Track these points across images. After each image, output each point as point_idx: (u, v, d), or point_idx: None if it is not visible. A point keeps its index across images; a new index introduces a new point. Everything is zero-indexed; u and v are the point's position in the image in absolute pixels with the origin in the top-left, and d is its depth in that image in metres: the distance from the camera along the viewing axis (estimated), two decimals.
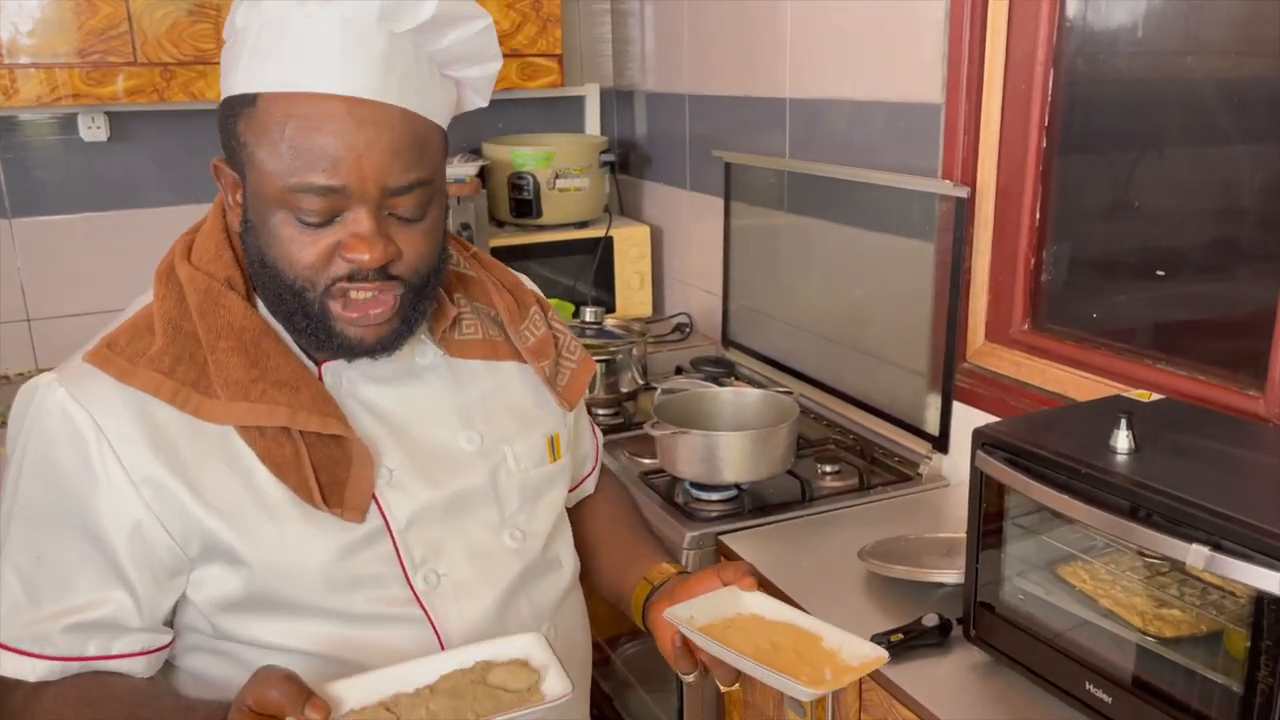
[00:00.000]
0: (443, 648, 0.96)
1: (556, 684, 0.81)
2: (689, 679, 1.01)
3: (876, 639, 1.21)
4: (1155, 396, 1.21)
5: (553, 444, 1.09)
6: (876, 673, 1.20)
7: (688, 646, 0.99)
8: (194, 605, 0.95)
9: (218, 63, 1.05)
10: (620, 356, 2.06)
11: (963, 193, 1.63)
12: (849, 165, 1.90)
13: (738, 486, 1.66)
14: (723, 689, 0.99)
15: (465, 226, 2.35)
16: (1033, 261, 1.61)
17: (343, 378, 0.98)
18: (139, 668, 0.93)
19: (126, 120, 2.38)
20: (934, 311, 1.73)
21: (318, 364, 0.97)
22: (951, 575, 1.29)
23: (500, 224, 2.61)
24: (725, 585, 1.02)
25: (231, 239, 0.96)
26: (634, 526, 1.23)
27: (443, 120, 0.95)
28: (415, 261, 0.92)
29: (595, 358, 2.03)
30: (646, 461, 1.82)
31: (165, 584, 0.92)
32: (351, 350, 0.94)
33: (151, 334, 0.92)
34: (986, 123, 1.62)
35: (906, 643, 1.22)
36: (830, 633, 0.98)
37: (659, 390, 1.86)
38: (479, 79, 0.99)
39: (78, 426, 0.88)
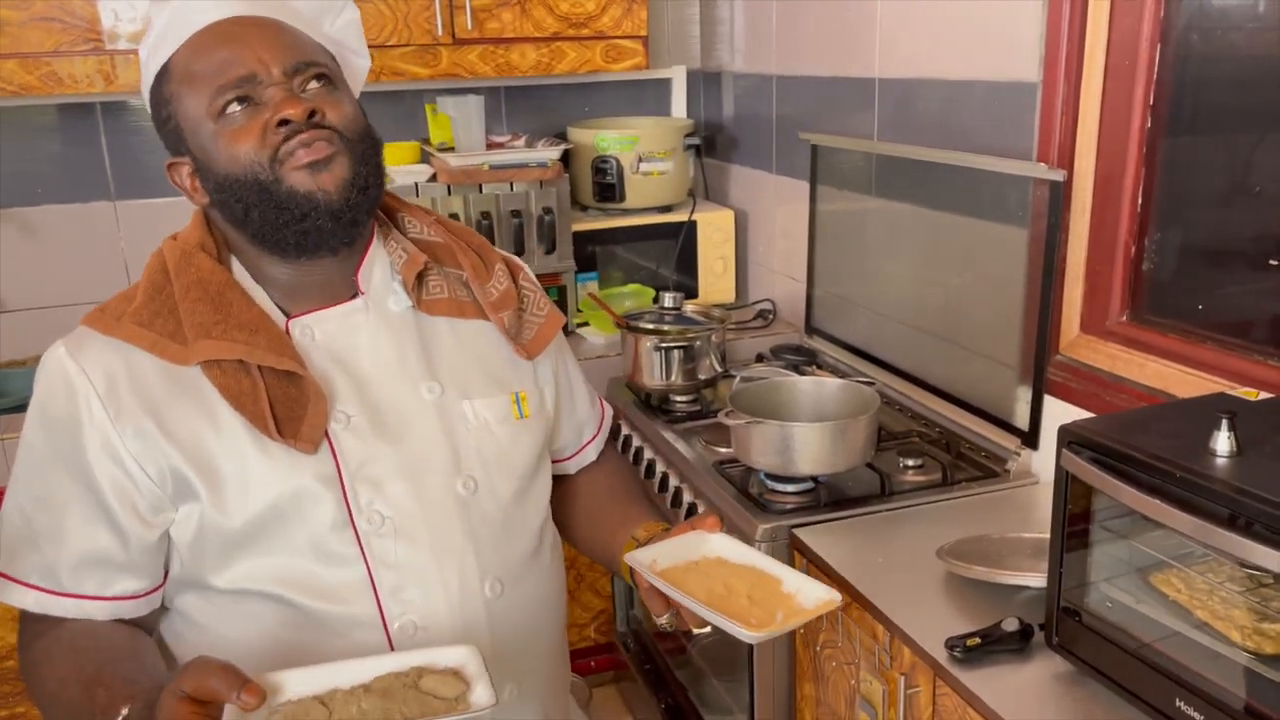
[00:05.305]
0: (375, 591, 1.03)
1: (483, 695, 0.87)
2: (661, 621, 1.06)
3: (952, 642, 1.17)
4: (1264, 395, 1.13)
5: (518, 401, 1.14)
6: (951, 678, 1.15)
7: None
8: (173, 540, 1.03)
9: None
10: (699, 343, 2.02)
11: (1059, 176, 1.55)
12: (940, 148, 1.83)
13: (814, 479, 1.62)
14: (695, 631, 1.04)
15: (547, 211, 2.34)
16: (1133, 249, 1.53)
17: (313, 331, 1.06)
18: (128, 609, 1.04)
19: None
20: (1026, 301, 1.65)
21: (288, 318, 1.06)
22: (1034, 578, 1.23)
23: (583, 208, 2.59)
24: (695, 530, 1.07)
25: (208, 222, 1.08)
26: (632, 496, 1.28)
27: (329, 49, 1.07)
28: (339, 118, 1.01)
29: (672, 344, 2.02)
30: (722, 451, 1.79)
31: (150, 520, 1.02)
32: (316, 210, 1.00)
33: (135, 297, 1.05)
34: (1086, 102, 1.54)
35: (984, 648, 1.16)
36: (790, 576, 1.01)
37: (737, 378, 1.82)
38: (344, 26, 1.10)
39: (70, 377, 1.00)
